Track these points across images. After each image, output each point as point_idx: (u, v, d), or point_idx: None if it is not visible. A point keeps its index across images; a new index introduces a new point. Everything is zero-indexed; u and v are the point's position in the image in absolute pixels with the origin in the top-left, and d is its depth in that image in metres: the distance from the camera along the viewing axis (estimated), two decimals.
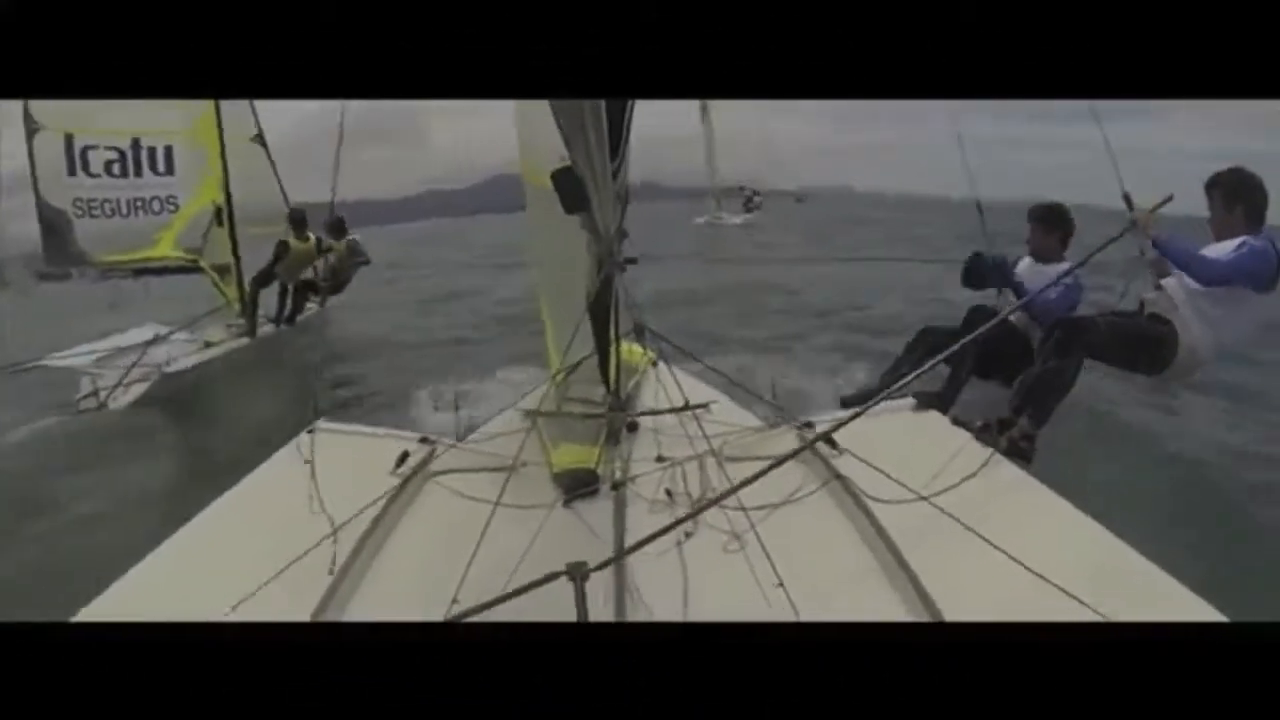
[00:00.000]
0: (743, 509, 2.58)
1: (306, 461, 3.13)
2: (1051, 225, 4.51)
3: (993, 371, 4.37)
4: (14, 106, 8.33)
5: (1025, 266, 4.71)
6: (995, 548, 2.22)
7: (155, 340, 8.57)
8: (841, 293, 13.58)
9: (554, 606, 1.77)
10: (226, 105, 9.17)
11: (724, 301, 13.43)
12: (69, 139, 8.58)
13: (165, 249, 9.20)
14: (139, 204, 9.02)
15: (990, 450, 2.93)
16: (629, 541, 2.42)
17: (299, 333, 10.05)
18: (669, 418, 3.38)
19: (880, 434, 3.14)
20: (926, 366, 3.13)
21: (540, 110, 2.94)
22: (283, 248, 9.75)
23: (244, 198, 9.55)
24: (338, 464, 3.10)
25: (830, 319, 11.78)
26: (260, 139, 9.94)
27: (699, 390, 3.71)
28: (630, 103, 2.83)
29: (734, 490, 2.31)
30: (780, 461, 2.36)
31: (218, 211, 9.32)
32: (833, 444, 3.02)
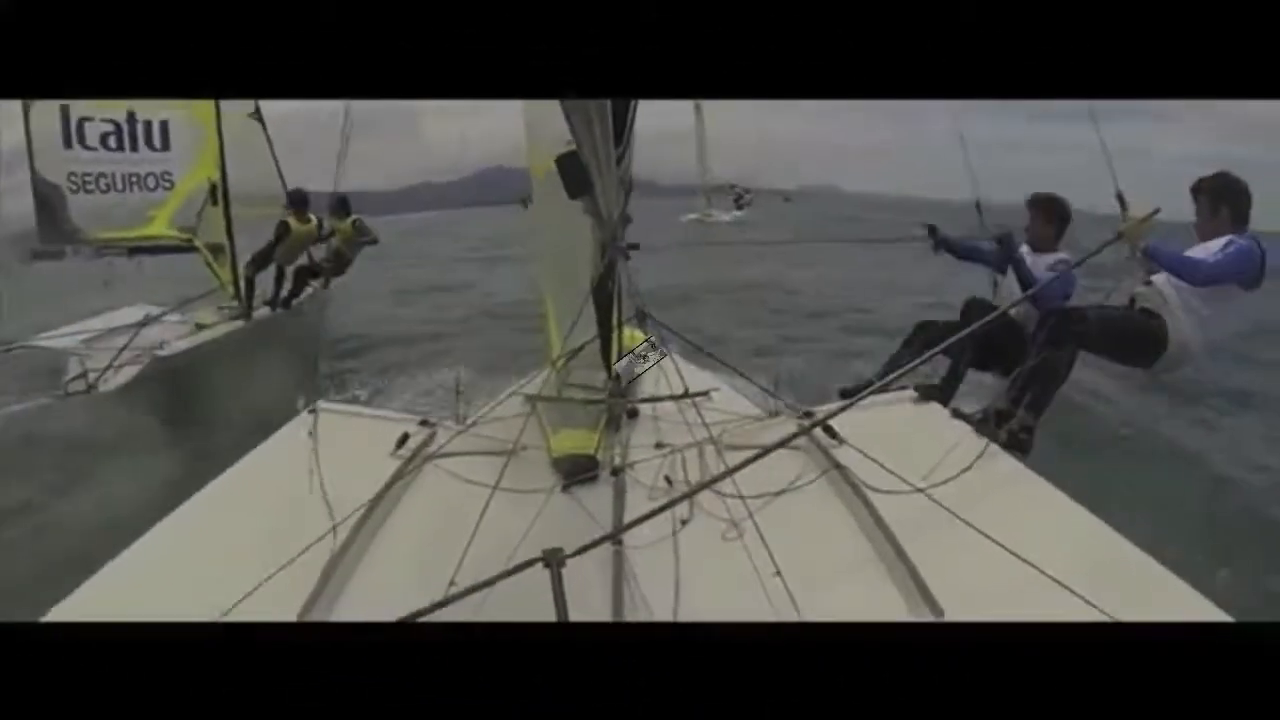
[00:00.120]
0: (741, 497, 2.58)
1: (310, 434, 3.11)
2: (1051, 213, 4.53)
3: (990, 363, 4.39)
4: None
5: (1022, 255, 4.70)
6: (991, 540, 2.22)
7: (146, 321, 8.42)
8: (840, 292, 13.60)
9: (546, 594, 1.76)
10: None
11: (717, 301, 13.43)
12: (65, 110, 8.43)
13: (160, 227, 9.02)
14: (134, 180, 8.87)
15: (985, 442, 2.95)
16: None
17: (293, 315, 9.82)
18: (669, 405, 3.37)
19: (881, 425, 3.15)
20: (925, 357, 3.14)
21: None
22: (284, 228, 9.45)
23: (240, 176, 9.35)
24: (338, 444, 3.09)
25: (828, 321, 11.79)
26: (258, 115, 9.69)
27: (699, 378, 3.71)
28: None
29: (727, 474, 2.31)
30: (775, 447, 2.36)
31: (212, 189, 9.13)
32: (833, 434, 3.02)
